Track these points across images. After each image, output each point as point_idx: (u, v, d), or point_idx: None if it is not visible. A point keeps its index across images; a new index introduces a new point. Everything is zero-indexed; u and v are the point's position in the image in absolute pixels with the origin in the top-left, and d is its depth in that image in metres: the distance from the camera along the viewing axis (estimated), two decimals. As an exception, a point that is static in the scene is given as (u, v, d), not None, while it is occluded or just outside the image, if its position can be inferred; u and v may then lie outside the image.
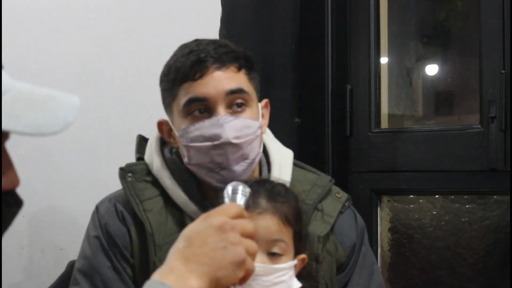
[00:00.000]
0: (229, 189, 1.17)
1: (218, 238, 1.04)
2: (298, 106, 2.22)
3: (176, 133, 1.49)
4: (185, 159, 1.49)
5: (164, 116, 1.58)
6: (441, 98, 2.47)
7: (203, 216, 1.09)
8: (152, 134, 1.63)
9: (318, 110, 2.20)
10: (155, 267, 1.42)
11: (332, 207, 1.58)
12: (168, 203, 1.52)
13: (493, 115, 1.98)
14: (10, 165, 0.90)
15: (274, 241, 1.30)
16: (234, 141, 1.43)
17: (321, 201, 1.57)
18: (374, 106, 2.20)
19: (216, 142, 1.43)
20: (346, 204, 1.61)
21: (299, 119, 2.21)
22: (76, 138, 2.30)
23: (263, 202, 1.32)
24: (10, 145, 0.92)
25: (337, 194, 1.61)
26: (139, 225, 1.50)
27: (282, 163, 1.60)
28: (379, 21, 2.24)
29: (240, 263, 1.03)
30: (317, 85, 2.21)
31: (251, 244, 1.07)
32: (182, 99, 1.46)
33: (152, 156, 1.56)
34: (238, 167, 1.45)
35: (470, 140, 2.03)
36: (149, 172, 1.55)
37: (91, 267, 1.51)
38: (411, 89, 2.43)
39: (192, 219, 1.47)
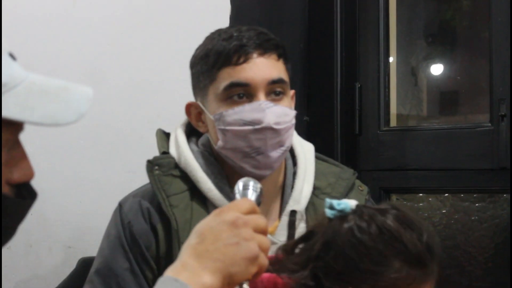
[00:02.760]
0: (240, 185, 1.17)
1: (231, 233, 1.03)
2: (307, 104, 2.21)
3: (211, 116, 1.47)
4: (219, 143, 1.47)
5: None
6: (448, 97, 2.46)
7: (215, 211, 1.08)
8: (175, 128, 1.60)
9: (327, 108, 2.19)
10: None
11: (357, 200, 1.58)
12: (194, 199, 1.50)
13: (503, 114, 1.97)
14: (24, 157, 0.90)
15: None
16: (274, 126, 1.42)
17: (347, 194, 1.57)
18: (383, 104, 2.20)
19: (257, 127, 1.42)
20: (367, 197, 1.61)
21: (307, 117, 2.21)
22: (84, 136, 2.30)
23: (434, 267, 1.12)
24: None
25: (359, 187, 1.62)
26: (166, 221, 1.47)
27: (306, 157, 1.60)
28: (388, 19, 2.24)
29: (253, 259, 1.02)
30: (325, 83, 2.20)
31: (263, 239, 1.06)
32: (222, 83, 1.44)
33: (180, 149, 1.53)
34: (274, 153, 1.45)
35: (480, 138, 2.02)
36: (176, 166, 1.52)
37: (107, 267, 1.48)
38: (418, 88, 2.43)
39: None
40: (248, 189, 1.15)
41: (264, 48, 1.46)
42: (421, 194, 2.14)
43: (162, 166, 1.51)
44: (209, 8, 2.22)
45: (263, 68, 1.44)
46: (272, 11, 2.21)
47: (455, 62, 2.42)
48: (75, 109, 0.87)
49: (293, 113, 1.49)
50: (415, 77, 2.43)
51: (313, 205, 1.55)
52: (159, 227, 1.48)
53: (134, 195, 1.54)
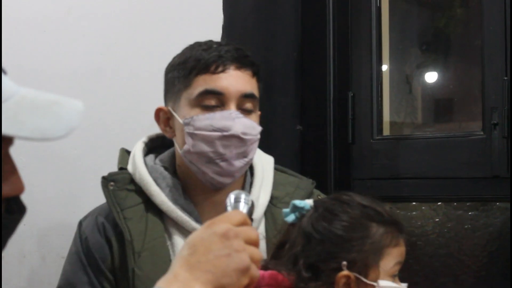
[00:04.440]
0: (231, 197, 1.18)
1: (222, 245, 1.03)
2: (300, 113, 2.21)
3: (180, 121, 1.52)
4: (185, 147, 1.51)
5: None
6: (441, 105, 2.47)
7: (207, 223, 1.09)
8: (136, 146, 1.66)
9: (320, 117, 2.19)
10: (134, 274, 1.48)
11: None
12: (149, 211, 1.55)
13: (495, 122, 1.98)
14: (14, 171, 0.90)
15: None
16: (241, 135, 1.48)
17: None
18: (376, 113, 2.20)
19: (225, 133, 1.47)
20: None
21: (301, 127, 2.21)
22: (78, 145, 2.30)
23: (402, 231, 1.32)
24: (11, 153, 0.91)
25: (318, 196, 1.65)
26: (120, 234, 1.53)
27: (264, 167, 1.65)
28: (381, 28, 2.24)
29: (245, 270, 1.03)
30: (319, 92, 2.21)
31: (255, 251, 1.06)
32: (197, 89, 1.50)
33: (135, 165, 1.59)
34: (238, 163, 1.50)
35: (473, 147, 2.02)
36: (131, 181, 1.58)
37: (68, 283, 1.55)
38: (413, 96, 2.43)
39: (175, 224, 1.53)
40: (239, 202, 1.17)
41: (241, 63, 1.52)
42: (414, 203, 2.15)
43: (117, 181, 1.57)
44: (201, 17, 2.22)
45: (238, 80, 1.51)
46: (265, 20, 2.21)
47: (449, 69, 2.43)
48: (65, 123, 0.87)
49: (259, 128, 1.55)
50: (409, 85, 2.43)
51: (271, 214, 1.60)
52: (114, 240, 1.54)
53: (92, 212, 1.62)
